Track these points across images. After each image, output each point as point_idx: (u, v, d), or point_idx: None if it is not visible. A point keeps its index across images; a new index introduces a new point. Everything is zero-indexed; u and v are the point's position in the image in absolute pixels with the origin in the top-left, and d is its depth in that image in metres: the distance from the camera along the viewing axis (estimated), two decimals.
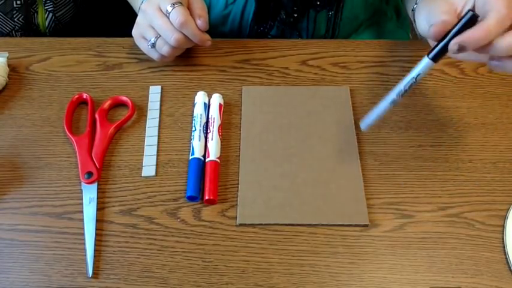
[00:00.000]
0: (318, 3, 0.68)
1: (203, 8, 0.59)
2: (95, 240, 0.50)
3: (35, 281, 0.48)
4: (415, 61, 0.59)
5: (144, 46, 0.61)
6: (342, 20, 0.71)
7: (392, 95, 0.49)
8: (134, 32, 0.62)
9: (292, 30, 0.71)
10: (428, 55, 0.47)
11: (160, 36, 0.58)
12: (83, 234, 0.51)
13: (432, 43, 0.52)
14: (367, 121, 0.52)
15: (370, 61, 0.66)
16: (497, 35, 0.43)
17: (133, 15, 0.73)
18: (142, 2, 0.60)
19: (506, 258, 0.49)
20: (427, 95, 0.62)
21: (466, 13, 0.45)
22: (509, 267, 0.49)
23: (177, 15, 0.56)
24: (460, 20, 0.45)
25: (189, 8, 0.58)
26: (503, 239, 0.50)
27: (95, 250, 0.49)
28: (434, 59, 0.47)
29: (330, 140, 0.57)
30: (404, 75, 0.64)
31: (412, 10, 0.61)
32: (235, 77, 0.64)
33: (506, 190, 0.54)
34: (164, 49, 0.59)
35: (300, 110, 0.60)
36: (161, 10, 0.57)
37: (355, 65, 0.65)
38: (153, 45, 0.59)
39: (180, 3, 0.57)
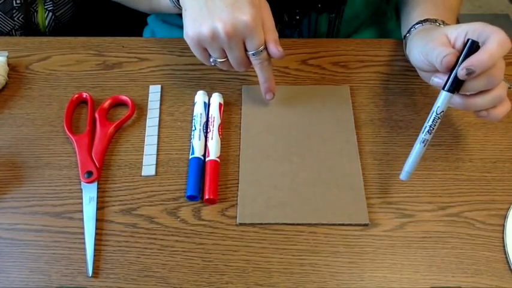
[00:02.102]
0: (319, 5, 0.68)
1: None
2: (95, 239, 0.50)
3: (35, 281, 0.48)
4: None
5: (198, 53, 0.55)
6: (342, 22, 0.71)
7: (421, 135, 0.50)
8: (193, 32, 0.52)
9: (293, 32, 0.71)
10: (443, 88, 0.49)
11: (226, 59, 0.55)
12: (83, 233, 0.51)
13: (421, 73, 0.55)
14: (406, 169, 0.50)
15: (370, 60, 0.66)
16: (499, 57, 0.46)
17: (133, 15, 0.73)
18: None
19: (506, 257, 0.49)
20: (427, 94, 0.62)
21: (467, 42, 0.48)
22: (510, 266, 0.49)
23: (263, 59, 0.54)
24: (463, 48, 0.48)
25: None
26: (503, 238, 0.50)
27: (94, 249, 0.49)
28: (449, 90, 0.48)
29: (330, 140, 0.57)
30: (405, 74, 0.64)
31: (404, 37, 0.61)
32: (235, 76, 0.64)
33: (506, 189, 0.54)
34: (223, 66, 0.56)
35: (300, 109, 0.60)
36: (243, 42, 0.53)
37: (355, 64, 0.65)
38: (214, 63, 0.56)
39: (265, 48, 0.53)
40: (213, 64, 0.56)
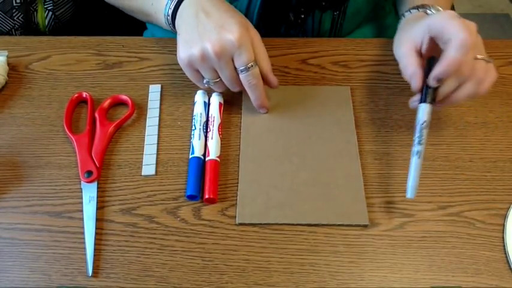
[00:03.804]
0: (324, 3, 0.68)
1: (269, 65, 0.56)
2: (95, 239, 0.50)
3: (35, 280, 0.48)
4: None
5: (191, 75, 0.57)
6: (346, 19, 0.71)
7: (413, 148, 0.51)
8: (184, 54, 0.54)
9: (297, 30, 0.71)
10: (420, 102, 0.52)
11: (220, 80, 0.56)
12: (83, 233, 0.51)
13: (400, 60, 0.57)
14: (410, 185, 0.50)
15: (370, 60, 0.66)
16: (462, 57, 0.48)
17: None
18: None
19: (506, 257, 0.49)
20: None
21: (428, 61, 0.53)
22: (510, 266, 0.49)
23: (251, 77, 0.54)
24: (426, 66, 0.52)
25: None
26: (503, 238, 0.50)
27: (94, 249, 0.49)
28: (427, 101, 0.51)
29: (330, 140, 0.57)
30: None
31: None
32: None
33: (506, 189, 0.54)
34: (217, 87, 0.57)
35: (300, 109, 0.60)
36: (232, 60, 0.53)
37: (355, 64, 0.65)
38: (208, 84, 0.57)
39: (255, 63, 0.54)
40: (206, 86, 0.57)
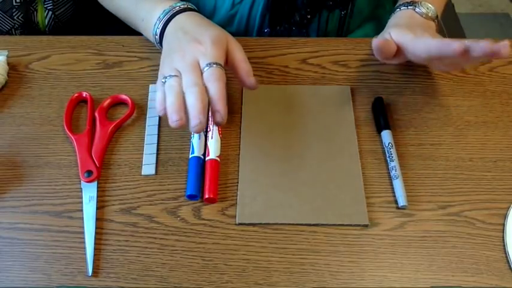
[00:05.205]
0: (331, 3, 0.68)
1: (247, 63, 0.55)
2: (95, 238, 0.50)
3: (35, 280, 0.48)
4: None
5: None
6: (352, 18, 0.72)
7: (389, 166, 0.55)
8: (160, 71, 0.55)
9: (302, 31, 0.71)
10: (379, 132, 0.58)
11: (179, 75, 0.52)
12: (83, 232, 0.51)
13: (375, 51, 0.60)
14: (398, 194, 0.53)
15: (370, 59, 0.66)
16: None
17: None
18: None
19: (506, 256, 0.49)
20: (427, 93, 0.62)
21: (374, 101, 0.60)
22: (510, 265, 0.49)
23: (213, 73, 0.51)
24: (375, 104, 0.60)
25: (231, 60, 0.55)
26: (503, 237, 0.50)
27: (94, 249, 0.49)
28: (381, 130, 0.58)
29: (330, 140, 0.57)
30: (405, 73, 0.64)
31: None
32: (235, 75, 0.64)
33: (506, 189, 0.54)
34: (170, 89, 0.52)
35: (300, 109, 0.60)
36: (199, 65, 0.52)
37: (355, 63, 0.65)
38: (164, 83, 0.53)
39: (221, 65, 0.52)
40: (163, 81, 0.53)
